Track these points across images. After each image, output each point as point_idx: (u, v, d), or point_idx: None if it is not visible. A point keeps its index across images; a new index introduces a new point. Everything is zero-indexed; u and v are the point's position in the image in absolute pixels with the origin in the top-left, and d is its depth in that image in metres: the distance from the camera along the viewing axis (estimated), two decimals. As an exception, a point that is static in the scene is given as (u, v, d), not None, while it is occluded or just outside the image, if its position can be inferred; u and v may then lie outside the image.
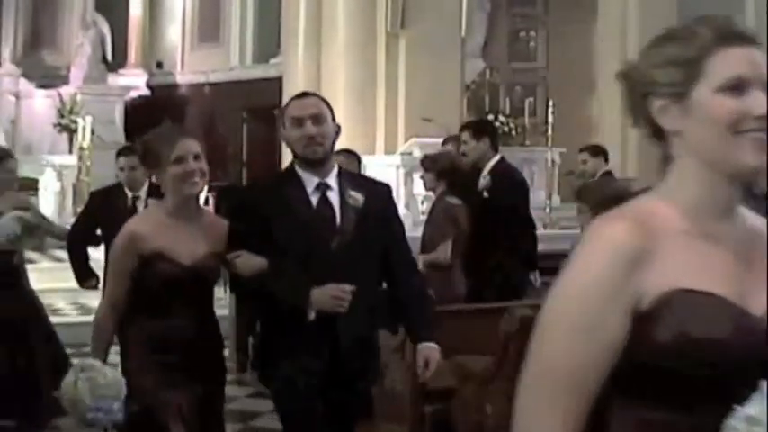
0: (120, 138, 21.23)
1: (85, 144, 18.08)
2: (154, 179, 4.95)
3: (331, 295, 4.46)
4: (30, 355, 7.57)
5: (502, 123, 19.01)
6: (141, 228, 4.71)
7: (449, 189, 7.75)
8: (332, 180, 4.68)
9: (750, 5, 19.07)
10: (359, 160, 9.04)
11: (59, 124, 21.15)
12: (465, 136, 8.18)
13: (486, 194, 7.95)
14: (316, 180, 4.64)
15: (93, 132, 18.34)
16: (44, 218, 8.42)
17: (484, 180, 7.98)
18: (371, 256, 4.69)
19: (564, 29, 19.74)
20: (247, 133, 22.16)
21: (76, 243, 8.01)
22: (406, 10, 17.26)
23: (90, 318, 11.33)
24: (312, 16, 17.71)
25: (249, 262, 4.51)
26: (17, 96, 21.94)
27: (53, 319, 11.83)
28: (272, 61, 21.67)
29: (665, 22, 14.89)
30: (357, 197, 4.65)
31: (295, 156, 4.72)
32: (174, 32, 24.65)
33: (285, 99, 18.13)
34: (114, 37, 22.97)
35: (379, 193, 4.88)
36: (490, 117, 18.67)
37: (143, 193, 7.77)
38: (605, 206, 5.47)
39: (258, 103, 21.48)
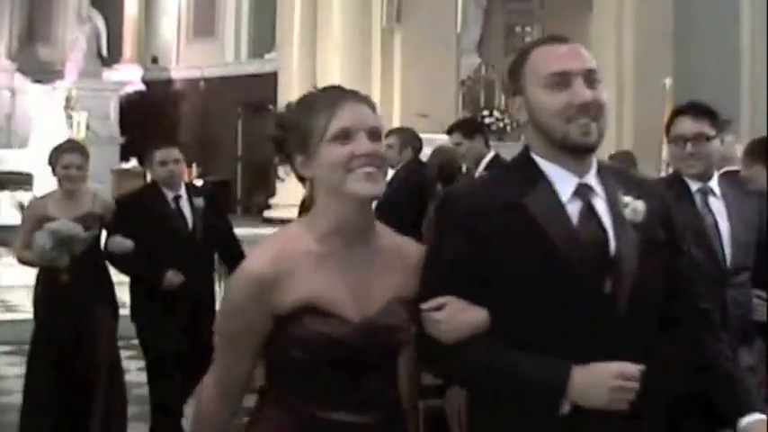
0: (115, 132, 21.25)
1: (80, 139, 18.09)
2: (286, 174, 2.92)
3: (609, 386, 2.59)
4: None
5: (497, 119, 19.05)
6: (274, 265, 2.70)
7: (444, 185, 7.71)
8: (593, 179, 2.78)
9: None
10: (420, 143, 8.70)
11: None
12: (456, 137, 8.11)
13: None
14: (574, 180, 2.75)
15: (87, 127, 18.36)
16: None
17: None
18: (655, 304, 2.79)
19: (559, 24, 19.72)
20: (242, 128, 22.15)
21: (120, 257, 6.68)
22: (402, 5, 17.27)
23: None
24: (307, 11, 17.71)
25: (460, 317, 2.70)
26: (12, 92, 21.90)
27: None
28: (267, 56, 21.67)
29: (660, 17, 14.89)
30: (636, 207, 2.75)
31: (545, 138, 2.76)
32: (168, 28, 24.63)
33: (280, 94, 18.20)
34: (109, 32, 22.96)
35: (659, 197, 2.89)
36: (485, 113, 18.71)
37: (183, 191, 6.84)
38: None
39: (253, 99, 21.47)
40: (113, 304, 6.92)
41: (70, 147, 7.06)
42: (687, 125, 4.52)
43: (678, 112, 4.64)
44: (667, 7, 18.25)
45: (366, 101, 2.77)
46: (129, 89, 23.44)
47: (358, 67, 16.95)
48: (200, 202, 6.83)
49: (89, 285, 6.66)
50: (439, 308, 2.71)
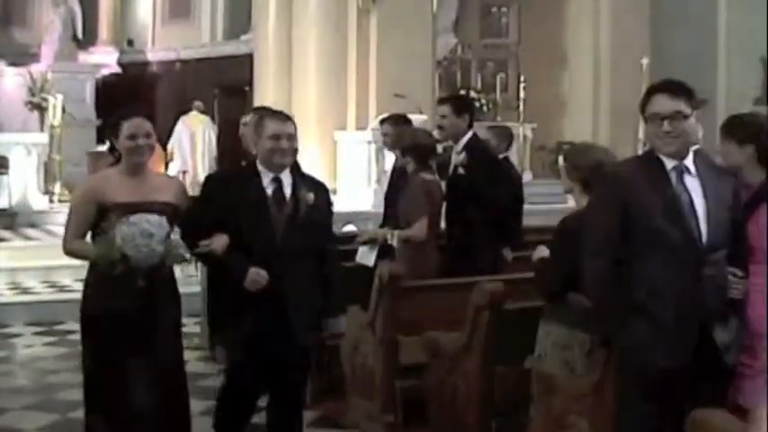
0: (91, 115, 21.12)
1: (56, 122, 18.00)
2: None
3: None
4: None
5: (474, 99, 19.04)
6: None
7: (419, 165, 7.72)
8: None
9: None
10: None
11: (30, 102, 20.98)
12: (445, 110, 8.09)
13: (461, 170, 7.91)
14: None
15: (63, 110, 18.25)
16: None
17: (458, 156, 7.95)
18: None
19: (536, 4, 19.74)
20: (219, 110, 22.04)
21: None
22: (378, -14, 17.19)
23: (62, 296, 11.04)
24: (283, -8, 17.64)
25: None
26: (-13, 74, 21.79)
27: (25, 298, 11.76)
28: (244, 38, 21.56)
29: (636, -3, 14.49)
30: None
31: None
32: (144, 9, 24.49)
33: (256, 76, 18.12)
34: (85, 14, 22.79)
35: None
36: (462, 93, 18.70)
37: (287, 177, 5.32)
38: (590, 170, 5.42)
39: (229, 80, 21.40)
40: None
41: (135, 110, 5.51)
42: (664, 103, 4.50)
43: (654, 90, 4.61)
44: (643, -13, 18.32)
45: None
46: (105, 71, 23.30)
47: (334, 48, 16.89)
48: (310, 196, 5.45)
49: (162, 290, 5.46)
50: None
